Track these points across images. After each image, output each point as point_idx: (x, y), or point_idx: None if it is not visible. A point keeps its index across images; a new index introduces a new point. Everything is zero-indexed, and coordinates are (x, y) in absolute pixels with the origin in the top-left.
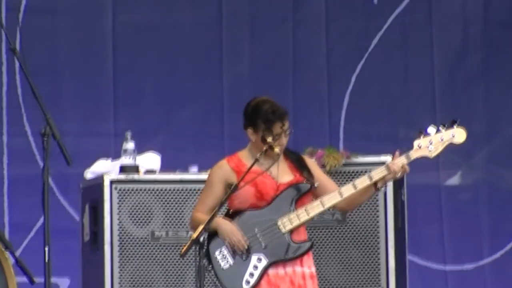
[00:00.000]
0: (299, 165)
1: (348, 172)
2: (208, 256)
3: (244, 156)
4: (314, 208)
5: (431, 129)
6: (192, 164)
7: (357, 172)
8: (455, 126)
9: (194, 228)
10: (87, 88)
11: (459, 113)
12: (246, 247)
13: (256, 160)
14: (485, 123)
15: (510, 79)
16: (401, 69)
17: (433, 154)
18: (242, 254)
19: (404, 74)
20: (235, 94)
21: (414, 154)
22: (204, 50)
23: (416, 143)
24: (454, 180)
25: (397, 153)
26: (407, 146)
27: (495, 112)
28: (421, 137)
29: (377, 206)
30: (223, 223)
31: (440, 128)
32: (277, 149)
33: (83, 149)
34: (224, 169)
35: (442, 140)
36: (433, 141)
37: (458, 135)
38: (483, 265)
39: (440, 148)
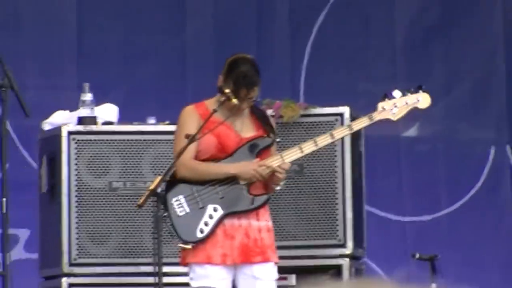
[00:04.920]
0: (263, 122)
1: (306, 123)
2: (165, 203)
3: (211, 105)
4: (274, 161)
5: (397, 93)
6: (151, 116)
7: (314, 123)
8: (420, 91)
9: (197, 174)
10: (50, 41)
11: (418, 66)
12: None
13: (214, 111)
14: (444, 76)
15: (469, 32)
16: (362, 23)
17: (396, 117)
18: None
19: (365, 28)
20: (198, 47)
21: (377, 115)
22: (168, 3)
23: (380, 105)
24: (412, 132)
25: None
26: (366, 99)
27: (454, 66)
28: (386, 99)
29: (335, 157)
30: (240, 167)
31: (406, 92)
32: (234, 100)
33: (45, 102)
34: (193, 114)
35: (406, 103)
36: (397, 104)
37: (423, 100)
38: (440, 217)
39: (403, 112)
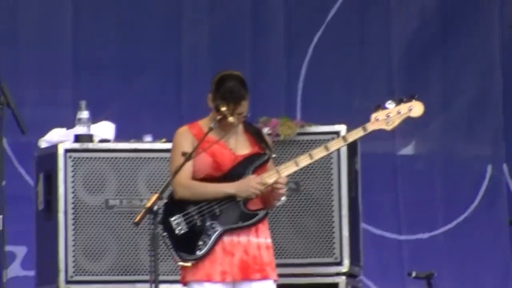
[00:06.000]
0: (258, 138)
1: (303, 141)
2: (163, 223)
3: (205, 125)
4: (270, 177)
5: (390, 103)
6: (148, 133)
7: (311, 141)
8: (413, 100)
9: (195, 194)
10: (45, 56)
11: (415, 83)
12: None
13: (211, 129)
14: (441, 93)
15: (466, 49)
16: (359, 40)
17: (390, 126)
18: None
19: (361, 45)
20: (194, 62)
21: (371, 126)
22: (163, 17)
23: (373, 115)
24: (409, 150)
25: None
26: (363, 116)
27: (450, 83)
28: (379, 110)
29: (331, 174)
30: (237, 185)
31: (398, 102)
32: (231, 118)
33: (42, 118)
34: (187, 135)
35: (399, 113)
36: (390, 114)
37: (415, 108)
38: (437, 235)
39: (397, 121)
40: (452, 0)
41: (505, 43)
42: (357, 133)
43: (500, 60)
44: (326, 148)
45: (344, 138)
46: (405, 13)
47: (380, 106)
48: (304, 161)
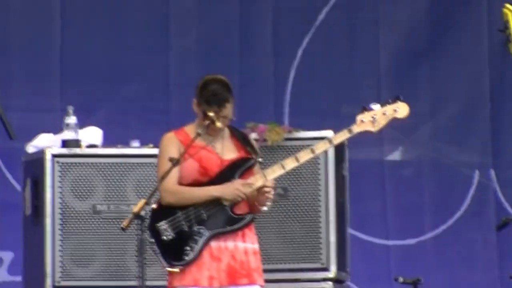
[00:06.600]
0: (244, 143)
1: (290, 147)
2: (151, 229)
3: (191, 131)
4: (256, 180)
5: (375, 105)
6: (135, 139)
7: (299, 146)
8: (398, 101)
9: (181, 199)
10: (34, 63)
11: (403, 89)
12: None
13: (198, 134)
14: (429, 100)
15: (455, 56)
16: (347, 45)
17: (376, 128)
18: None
19: (350, 50)
20: (182, 68)
21: (357, 128)
22: (151, 23)
23: (359, 117)
24: (395, 156)
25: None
26: (351, 123)
27: (439, 89)
28: (364, 112)
29: (318, 180)
30: (223, 188)
31: (384, 103)
32: (218, 124)
33: (30, 124)
34: (174, 141)
35: (385, 114)
36: (376, 116)
37: (401, 109)
38: (425, 240)
39: (383, 122)
40: (441, 7)
41: (494, 50)
42: (343, 135)
43: (488, 66)
44: (312, 151)
45: (330, 140)
46: (393, 19)
47: (366, 108)
48: (290, 164)
